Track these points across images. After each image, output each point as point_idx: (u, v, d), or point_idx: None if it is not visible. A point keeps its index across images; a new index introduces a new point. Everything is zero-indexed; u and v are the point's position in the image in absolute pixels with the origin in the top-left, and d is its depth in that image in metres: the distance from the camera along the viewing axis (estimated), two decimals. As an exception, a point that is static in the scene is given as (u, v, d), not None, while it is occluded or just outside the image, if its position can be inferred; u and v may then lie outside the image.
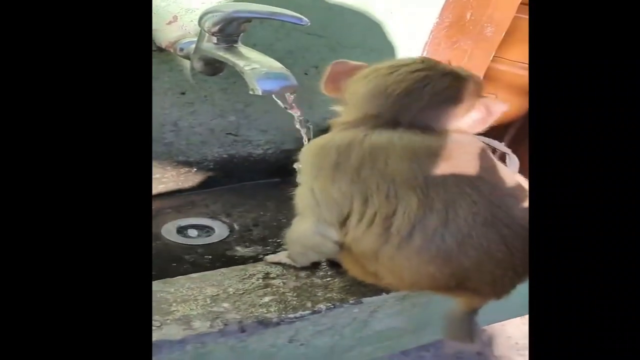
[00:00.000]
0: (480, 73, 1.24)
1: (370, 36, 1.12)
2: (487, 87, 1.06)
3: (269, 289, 0.69)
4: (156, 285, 0.69)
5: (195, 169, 1.11)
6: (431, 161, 0.63)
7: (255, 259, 0.91)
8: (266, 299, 0.67)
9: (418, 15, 1.13)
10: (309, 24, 0.75)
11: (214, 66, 0.87)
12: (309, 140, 0.79)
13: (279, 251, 0.95)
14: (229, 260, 0.92)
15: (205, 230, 1.03)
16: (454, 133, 0.67)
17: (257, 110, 1.12)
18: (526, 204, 0.64)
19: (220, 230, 1.03)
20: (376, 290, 0.71)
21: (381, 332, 0.76)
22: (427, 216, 0.62)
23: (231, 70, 0.85)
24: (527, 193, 0.65)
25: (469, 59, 1.20)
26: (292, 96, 0.75)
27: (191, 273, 0.73)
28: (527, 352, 1.46)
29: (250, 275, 0.72)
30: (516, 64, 1.32)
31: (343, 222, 0.67)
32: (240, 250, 0.96)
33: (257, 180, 1.17)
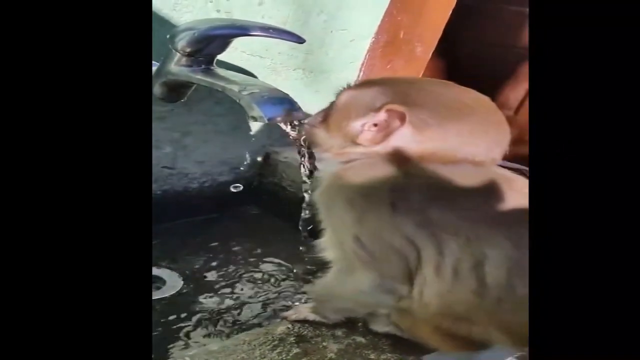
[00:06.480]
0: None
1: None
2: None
3: (312, 356, 0.60)
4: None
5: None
6: (509, 192, 0.54)
7: (233, 314, 0.81)
8: (314, 368, 0.58)
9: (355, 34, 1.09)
10: (305, 41, 0.68)
11: (179, 92, 0.75)
12: (310, 173, 0.69)
13: (247, 300, 0.85)
14: (204, 318, 0.80)
15: (153, 281, 0.89)
16: None
17: (196, 140, 1.00)
18: None
19: (171, 280, 0.90)
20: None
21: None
22: (522, 257, 0.50)
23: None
24: None
25: (400, 79, 1.19)
26: (298, 123, 0.66)
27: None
28: None
29: (279, 339, 0.62)
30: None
31: (409, 276, 0.55)
32: (211, 304, 0.84)
33: (193, 217, 1.04)
